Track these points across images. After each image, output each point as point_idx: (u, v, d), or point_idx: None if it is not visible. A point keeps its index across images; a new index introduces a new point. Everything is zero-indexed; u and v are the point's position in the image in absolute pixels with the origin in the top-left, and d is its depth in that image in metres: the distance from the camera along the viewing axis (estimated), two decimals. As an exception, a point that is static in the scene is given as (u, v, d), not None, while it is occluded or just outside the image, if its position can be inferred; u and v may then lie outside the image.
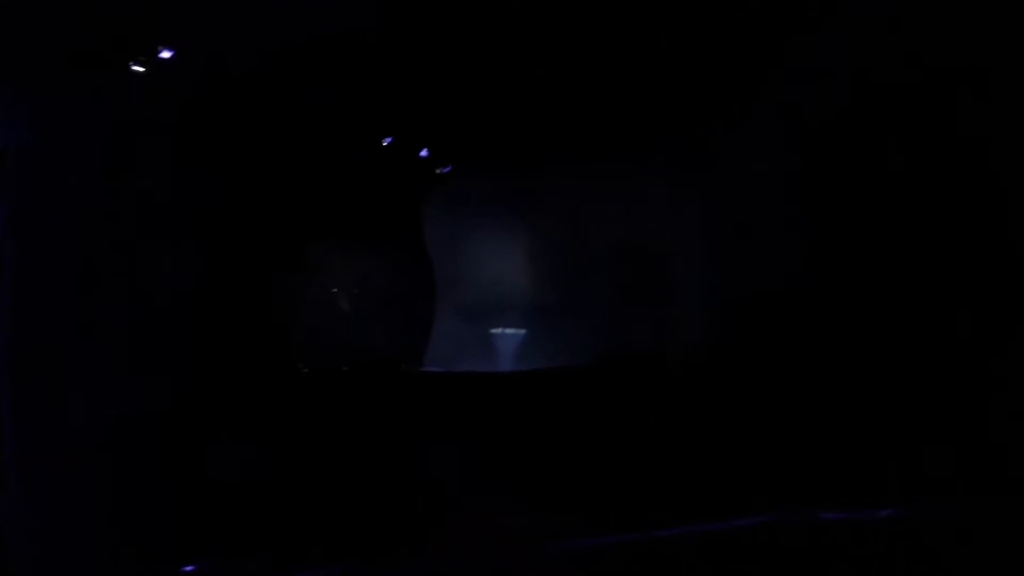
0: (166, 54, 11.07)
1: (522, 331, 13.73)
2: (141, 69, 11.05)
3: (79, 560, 5.96)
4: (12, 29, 7.75)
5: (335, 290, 14.88)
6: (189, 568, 5.63)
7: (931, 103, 9.19)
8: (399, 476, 8.49)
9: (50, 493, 6.41)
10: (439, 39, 12.22)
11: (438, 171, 15.11)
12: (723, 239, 12.50)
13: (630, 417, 10.52)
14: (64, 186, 8.00)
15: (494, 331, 13.88)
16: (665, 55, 11.80)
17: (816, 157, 10.72)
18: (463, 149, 14.50)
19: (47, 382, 6.92)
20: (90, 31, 8.65)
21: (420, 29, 12.11)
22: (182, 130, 10.67)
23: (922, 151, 9.38)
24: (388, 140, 14.28)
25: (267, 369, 12.62)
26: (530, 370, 13.05)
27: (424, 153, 14.76)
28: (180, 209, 10.12)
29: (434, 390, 12.64)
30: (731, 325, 12.18)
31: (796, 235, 11.27)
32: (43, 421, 6.70)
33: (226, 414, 9.06)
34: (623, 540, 5.90)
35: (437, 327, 14.39)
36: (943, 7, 9.10)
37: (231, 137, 11.99)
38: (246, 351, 11.31)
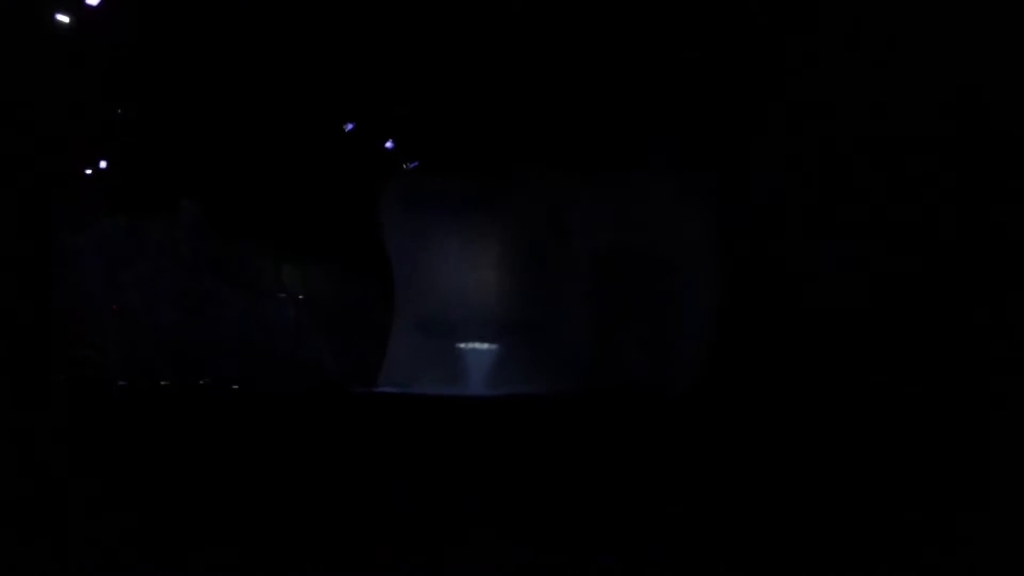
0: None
1: (493, 346, 11.98)
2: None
3: None
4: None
5: (277, 297, 12.98)
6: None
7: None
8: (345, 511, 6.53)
9: None
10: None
11: (404, 166, 13.40)
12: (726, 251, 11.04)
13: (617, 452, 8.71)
14: None
15: (461, 346, 12.12)
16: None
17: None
18: (433, 142, 12.82)
19: None
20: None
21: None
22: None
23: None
24: (349, 127, 12.79)
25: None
26: (503, 394, 11.29)
27: (389, 145, 13.04)
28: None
29: (389, 415, 10.72)
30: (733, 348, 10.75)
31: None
32: None
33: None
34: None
35: (394, 341, 12.59)
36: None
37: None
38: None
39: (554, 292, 11.83)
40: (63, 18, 10.20)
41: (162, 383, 11.89)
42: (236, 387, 11.94)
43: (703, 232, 11.21)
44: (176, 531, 5.37)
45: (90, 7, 10.15)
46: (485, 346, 11.77)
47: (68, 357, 11.77)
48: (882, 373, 9.69)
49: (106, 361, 12.30)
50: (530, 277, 11.87)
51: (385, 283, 12.37)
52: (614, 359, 11.56)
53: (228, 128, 12.22)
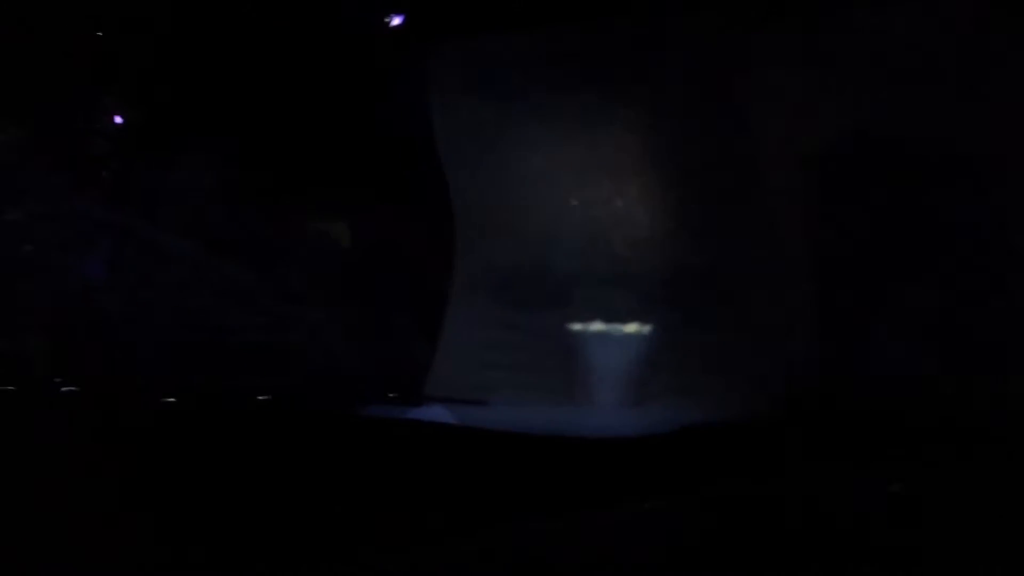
0: None
1: (635, 328, 6.41)
2: None
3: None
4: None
5: (258, 254, 8.08)
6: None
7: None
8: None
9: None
10: None
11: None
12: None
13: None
14: None
15: (575, 328, 6.61)
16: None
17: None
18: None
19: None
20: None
21: None
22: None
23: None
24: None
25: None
26: (656, 425, 6.02)
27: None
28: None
29: (439, 456, 5.83)
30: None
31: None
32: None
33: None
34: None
35: (454, 322, 7.09)
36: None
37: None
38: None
39: (753, 230, 6.36)
40: None
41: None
42: (188, 402, 7.21)
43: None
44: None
45: None
46: (620, 328, 6.39)
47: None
48: None
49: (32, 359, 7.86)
50: (705, 203, 6.47)
51: (440, 223, 7.25)
52: (867, 348, 6.13)
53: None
